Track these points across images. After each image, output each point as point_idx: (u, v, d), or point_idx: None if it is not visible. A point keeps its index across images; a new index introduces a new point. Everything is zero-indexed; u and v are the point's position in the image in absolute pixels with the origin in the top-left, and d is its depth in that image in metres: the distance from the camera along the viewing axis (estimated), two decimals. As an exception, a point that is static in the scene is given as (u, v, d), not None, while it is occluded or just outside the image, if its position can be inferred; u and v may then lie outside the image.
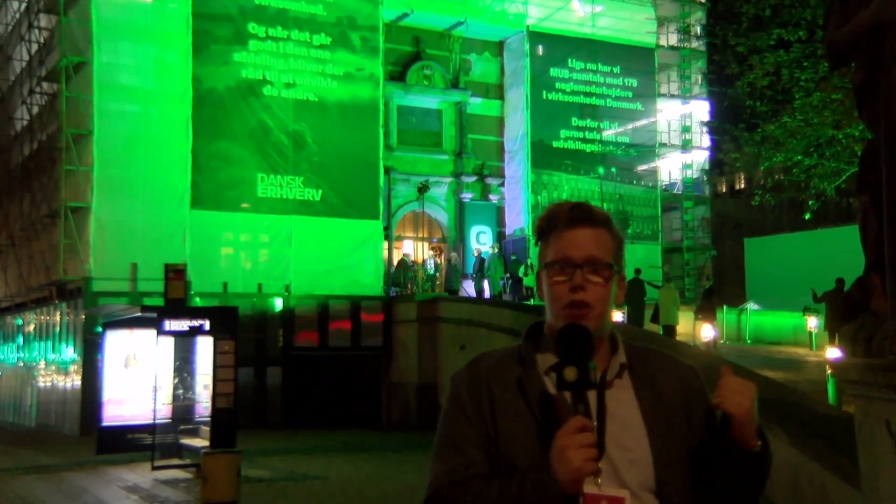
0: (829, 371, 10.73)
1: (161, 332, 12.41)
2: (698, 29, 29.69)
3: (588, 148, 28.12)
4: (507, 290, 24.33)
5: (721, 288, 26.75)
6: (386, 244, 23.85)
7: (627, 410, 1.70)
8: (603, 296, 1.71)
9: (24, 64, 24.16)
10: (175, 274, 13.16)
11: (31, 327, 24.87)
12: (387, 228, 23.88)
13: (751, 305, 23.62)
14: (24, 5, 24.03)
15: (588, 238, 1.73)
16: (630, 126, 28.92)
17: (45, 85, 22.12)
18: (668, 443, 1.69)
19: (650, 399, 1.72)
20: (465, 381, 1.74)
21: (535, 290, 22.61)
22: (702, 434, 1.73)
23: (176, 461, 12.68)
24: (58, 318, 22.08)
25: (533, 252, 25.17)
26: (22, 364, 25.58)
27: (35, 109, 23.12)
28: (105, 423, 13.36)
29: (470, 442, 1.67)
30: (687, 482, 1.69)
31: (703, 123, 30.65)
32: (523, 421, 1.66)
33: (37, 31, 22.71)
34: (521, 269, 23.43)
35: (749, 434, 1.65)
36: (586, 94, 28.09)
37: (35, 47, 23.00)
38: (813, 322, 19.90)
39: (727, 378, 1.67)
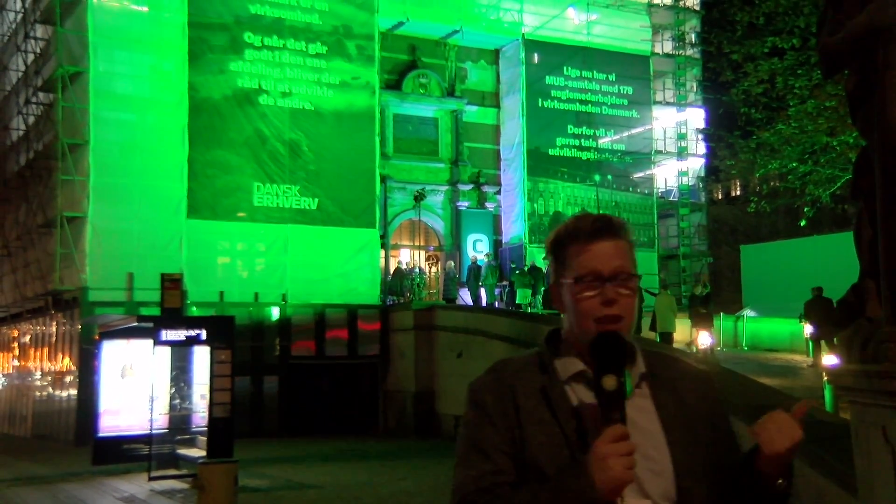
0: (825, 378, 10.74)
1: (157, 341, 12.39)
2: (693, 36, 29.80)
3: (584, 155, 28.18)
4: (504, 298, 24.34)
5: (717, 294, 26.74)
6: (382, 252, 23.86)
7: (647, 420, 1.70)
8: (631, 307, 1.72)
9: (20, 74, 24.18)
10: (171, 283, 13.15)
11: (27, 337, 24.80)
12: (383, 237, 23.88)
13: (747, 312, 23.62)
14: (20, 15, 24.07)
15: (613, 250, 1.73)
16: (626, 133, 29.00)
17: (41, 95, 22.14)
18: (690, 451, 1.69)
19: (670, 407, 1.72)
20: (489, 387, 1.73)
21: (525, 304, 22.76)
22: (725, 441, 1.75)
23: (172, 471, 12.64)
24: (54, 328, 22.03)
25: (537, 259, 25.18)
26: (18, 374, 25.50)
27: (31, 119, 23.13)
28: (101, 434, 13.32)
29: (497, 448, 1.66)
30: (708, 491, 1.69)
31: (698, 131, 30.76)
32: (547, 429, 1.66)
33: (33, 41, 22.74)
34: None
35: (773, 472, 1.66)
36: (582, 102, 28.16)
37: (31, 57, 23.03)
38: (810, 329, 19.90)
39: (780, 413, 1.66)
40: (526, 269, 24.09)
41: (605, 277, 1.70)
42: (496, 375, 1.75)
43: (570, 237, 1.76)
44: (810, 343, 18.80)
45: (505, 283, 24.54)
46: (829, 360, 11.55)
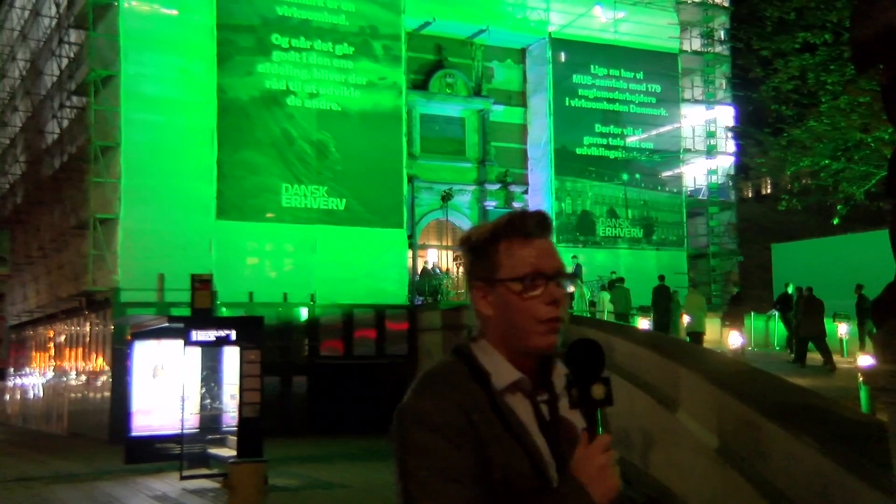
0: (860, 378, 10.57)
1: (188, 342, 12.52)
2: (722, 33, 29.46)
3: (612, 154, 27.99)
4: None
5: (748, 294, 26.41)
6: (410, 252, 23.90)
7: (576, 419, 1.61)
8: (567, 308, 1.65)
9: (54, 79, 24.60)
10: (201, 284, 13.27)
11: (62, 337, 25.22)
12: (411, 237, 23.93)
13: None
14: (54, 21, 24.49)
15: (552, 248, 1.65)
16: (654, 132, 28.75)
17: (74, 98, 22.50)
18: None
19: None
20: (439, 406, 1.53)
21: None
22: None
23: (203, 470, 12.77)
24: (87, 329, 22.37)
25: (565, 258, 25.12)
26: (53, 373, 25.94)
27: (65, 123, 23.52)
28: (134, 433, 13.49)
29: (468, 473, 1.50)
30: None
31: (727, 128, 30.39)
32: (506, 444, 1.55)
33: (66, 46, 23.11)
34: None
35: None
36: (609, 101, 27.98)
37: (65, 62, 23.42)
38: (843, 328, 19.59)
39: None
40: None
41: (550, 276, 1.61)
42: (438, 392, 1.55)
43: (506, 232, 1.63)
44: (844, 342, 18.56)
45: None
46: (865, 360, 11.36)
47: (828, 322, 19.55)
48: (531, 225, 1.63)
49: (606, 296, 21.95)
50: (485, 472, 1.51)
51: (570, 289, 1.66)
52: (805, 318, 17.26)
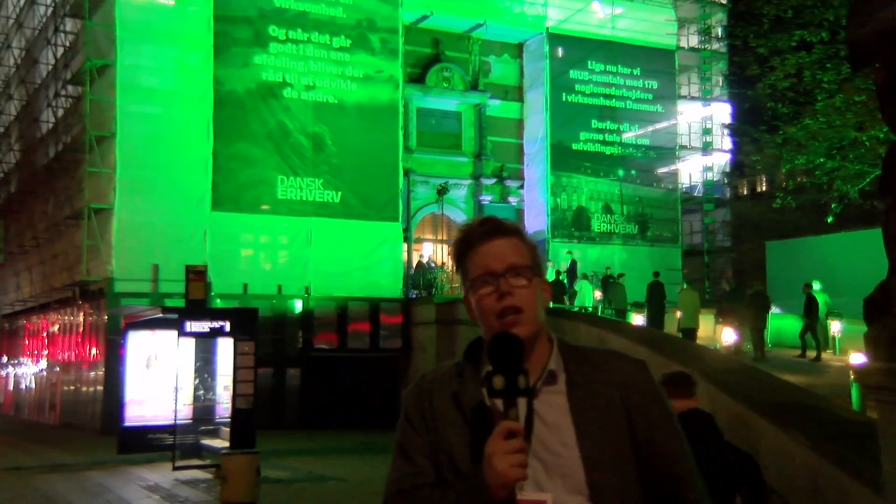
0: (852, 376, 10.61)
1: (182, 333, 12.53)
2: (719, 30, 29.48)
3: (608, 150, 27.99)
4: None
5: (741, 291, 26.45)
6: (405, 246, 23.90)
7: (557, 415, 1.71)
8: (530, 298, 1.74)
9: (49, 67, 24.49)
10: (196, 275, 13.27)
11: (55, 327, 25.17)
12: (406, 230, 23.91)
13: (773, 309, 23.33)
14: (50, 10, 24.37)
15: (504, 248, 1.77)
16: (650, 128, 28.75)
17: (69, 88, 22.41)
18: (602, 445, 1.69)
19: (584, 402, 1.72)
20: (412, 395, 1.83)
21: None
22: (652, 430, 1.73)
23: (196, 461, 12.79)
24: (81, 319, 22.33)
25: (560, 254, 25.18)
26: (46, 363, 25.90)
27: (60, 112, 23.43)
28: (127, 423, 13.51)
29: (418, 451, 1.74)
30: (625, 484, 1.69)
31: (723, 125, 30.42)
32: (458, 430, 1.72)
33: (62, 35, 23.01)
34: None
35: None
36: (606, 96, 27.97)
37: (60, 51, 23.32)
38: (836, 326, 19.61)
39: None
40: None
41: (499, 273, 1.74)
42: (418, 384, 1.84)
43: (465, 245, 1.81)
44: (836, 340, 18.62)
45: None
46: (857, 357, 11.41)
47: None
48: (476, 234, 1.80)
49: (588, 289, 22.04)
50: (437, 451, 1.73)
51: (522, 282, 1.74)
52: (757, 314, 17.66)
